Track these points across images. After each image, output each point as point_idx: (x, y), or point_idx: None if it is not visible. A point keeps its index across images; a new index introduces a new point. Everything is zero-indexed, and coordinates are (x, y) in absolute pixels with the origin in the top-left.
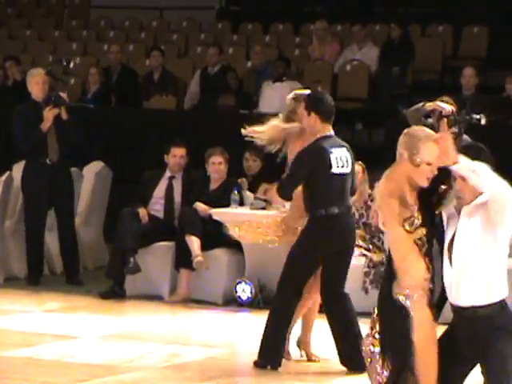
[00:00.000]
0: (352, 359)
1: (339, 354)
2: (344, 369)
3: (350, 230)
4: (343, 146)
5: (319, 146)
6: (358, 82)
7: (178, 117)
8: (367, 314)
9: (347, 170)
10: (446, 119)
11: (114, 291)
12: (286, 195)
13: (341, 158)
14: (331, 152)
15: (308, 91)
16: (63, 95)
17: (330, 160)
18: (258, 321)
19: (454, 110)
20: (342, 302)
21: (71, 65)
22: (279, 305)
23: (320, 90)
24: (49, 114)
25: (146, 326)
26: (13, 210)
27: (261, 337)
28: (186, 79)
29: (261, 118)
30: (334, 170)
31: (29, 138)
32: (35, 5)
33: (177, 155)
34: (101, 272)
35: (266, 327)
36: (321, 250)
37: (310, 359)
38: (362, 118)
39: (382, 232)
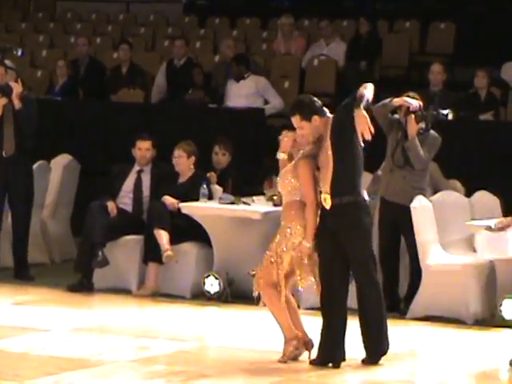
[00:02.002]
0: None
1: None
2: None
3: None
4: None
5: None
6: (326, 77)
7: (146, 110)
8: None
9: None
10: (413, 115)
11: (83, 284)
12: None
13: None
14: None
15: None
16: (13, 84)
17: None
18: (226, 315)
19: (422, 105)
20: None
21: (19, 53)
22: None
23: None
24: None
25: (114, 319)
26: None
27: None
28: (153, 72)
29: (229, 113)
30: None
31: None
32: None
33: (142, 148)
34: (69, 265)
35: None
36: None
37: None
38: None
39: None
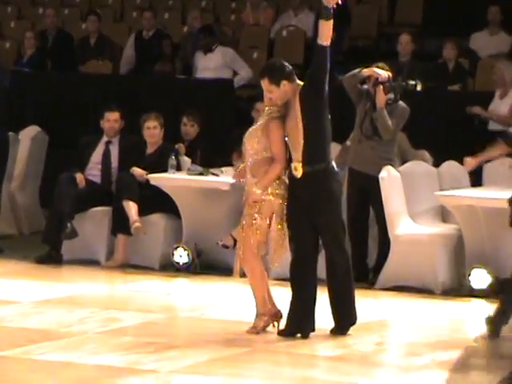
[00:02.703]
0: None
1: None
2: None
3: None
4: None
5: None
6: (295, 47)
7: (115, 82)
8: None
9: None
10: (381, 86)
11: (51, 256)
12: None
13: None
14: None
15: None
16: None
17: None
18: (195, 286)
19: (390, 76)
20: None
21: None
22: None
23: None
24: None
25: (83, 291)
26: None
27: None
28: (122, 44)
29: (197, 84)
30: None
31: None
32: None
33: (110, 119)
34: (37, 237)
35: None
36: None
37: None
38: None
39: None
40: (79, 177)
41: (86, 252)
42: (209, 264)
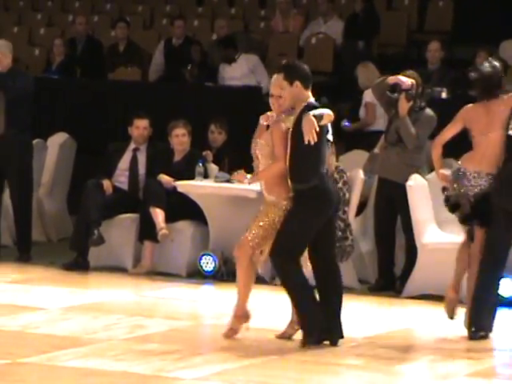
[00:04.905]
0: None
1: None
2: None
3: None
4: None
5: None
6: (324, 55)
7: (143, 88)
8: None
9: (331, 137)
10: (404, 93)
11: (78, 263)
12: None
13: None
14: None
15: None
16: None
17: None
18: (221, 293)
19: (414, 83)
20: None
21: None
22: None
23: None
24: None
25: (109, 297)
26: None
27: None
28: (151, 51)
29: (225, 91)
30: (329, 136)
31: None
32: None
33: (140, 127)
34: (64, 243)
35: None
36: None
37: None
38: (327, 92)
39: (348, 205)
40: (106, 183)
41: (112, 259)
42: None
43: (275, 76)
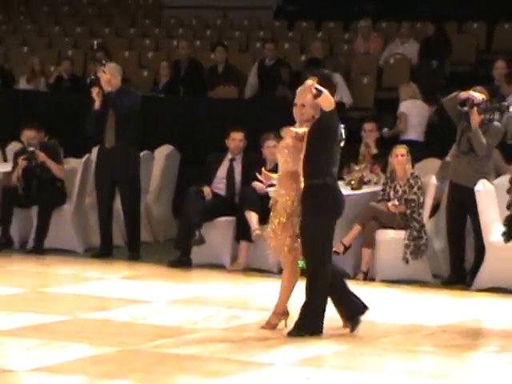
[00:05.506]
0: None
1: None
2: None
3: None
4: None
5: (336, 116)
6: (401, 73)
7: (239, 105)
8: (406, 282)
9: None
10: (476, 107)
11: (182, 261)
12: None
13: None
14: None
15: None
16: (100, 74)
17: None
18: None
19: (485, 98)
20: None
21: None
22: None
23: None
24: (92, 94)
25: (209, 291)
26: (92, 188)
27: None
28: (246, 72)
29: None
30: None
31: (88, 119)
32: (113, 5)
33: (236, 139)
34: (170, 244)
35: None
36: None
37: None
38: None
39: (422, 207)
40: (206, 190)
41: (212, 257)
42: None
43: (311, 77)
